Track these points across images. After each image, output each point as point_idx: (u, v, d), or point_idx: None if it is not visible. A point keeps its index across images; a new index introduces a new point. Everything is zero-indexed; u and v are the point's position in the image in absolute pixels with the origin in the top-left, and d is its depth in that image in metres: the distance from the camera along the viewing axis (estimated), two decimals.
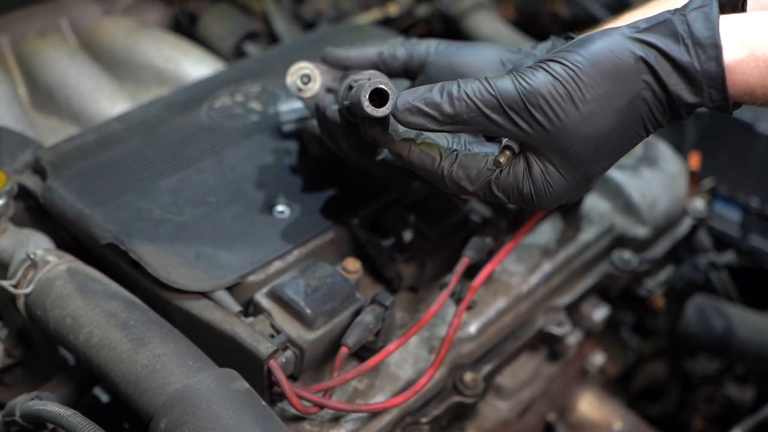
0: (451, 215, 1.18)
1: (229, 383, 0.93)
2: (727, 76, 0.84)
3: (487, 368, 1.20)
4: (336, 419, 1.05)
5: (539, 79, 0.86)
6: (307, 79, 1.14)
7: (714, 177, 1.65)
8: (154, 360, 0.94)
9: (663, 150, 1.47)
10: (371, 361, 1.03)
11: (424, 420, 1.12)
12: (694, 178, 1.51)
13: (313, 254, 1.13)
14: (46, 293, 1.03)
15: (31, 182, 1.20)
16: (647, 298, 1.46)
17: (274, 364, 0.99)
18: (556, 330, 1.29)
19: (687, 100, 0.86)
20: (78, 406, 0.98)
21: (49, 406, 0.95)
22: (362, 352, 1.07)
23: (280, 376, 0.98)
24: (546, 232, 1.32)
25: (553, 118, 0.86)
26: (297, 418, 1.04)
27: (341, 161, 1.17)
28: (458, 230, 1.18)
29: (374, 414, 1.07)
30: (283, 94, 1.34)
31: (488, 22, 1.88)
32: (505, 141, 0.91)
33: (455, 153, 0.93)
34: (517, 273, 1.26)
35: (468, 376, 1.16)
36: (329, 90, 1.13)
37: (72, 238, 1.18)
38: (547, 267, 1.28)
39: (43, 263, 1.07)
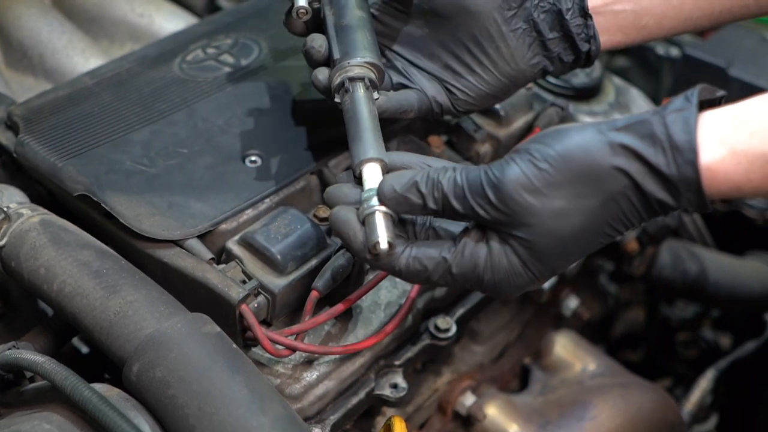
0: None
1: (200, 327, 0.94)
2: (709, 177, 0.82)
3: (460, 311, 1.21)
4: (309, 362, 1.07)
5: (509, 175, 0.86)
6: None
7: None
8: (126, 306, 0.96)
9: (635, 95, 1.48)
10: (342, 305, 1.05)
11: (397, 363, 1.14)
12: None
13: (284, 202, 1.14)
14: (20, 245, 1.05)
15: (4, 138, 1.20)
16: (620, 242, 1.47)
17: (245, 309, 1.00)
18: None
19: (664, 203, 0.85)
20: (57, 357, 1.00)
21: (25, 354, 0.97)
22: (334, 298, 1.08)
23: (252, 320, 1.00)
24: None
25: (520, 211, 0.86)
26: (270, 362, 1.06)
27: (314, 112, 1.19)
28: None
29: (347, 357, 1.09)
30: (256, 46, 1.34)
31: None
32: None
33: (411, 246, 0.93)
34: None
35: (440, 320, 1.18)
36: None
37: (46, 192, 1.19)
38: None
39: (16, 216, 1.08)
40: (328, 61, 1.09)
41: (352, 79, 1.05)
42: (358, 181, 0.97)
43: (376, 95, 1.06)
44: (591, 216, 0.87)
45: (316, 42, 1.09)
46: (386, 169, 0.96)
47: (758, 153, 0.82)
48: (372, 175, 0.95)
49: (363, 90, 1.04)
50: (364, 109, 1.02)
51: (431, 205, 0.90)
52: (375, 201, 0.92)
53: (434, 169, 0.91)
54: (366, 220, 0.92)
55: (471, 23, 1.08)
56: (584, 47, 1.09)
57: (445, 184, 0.89)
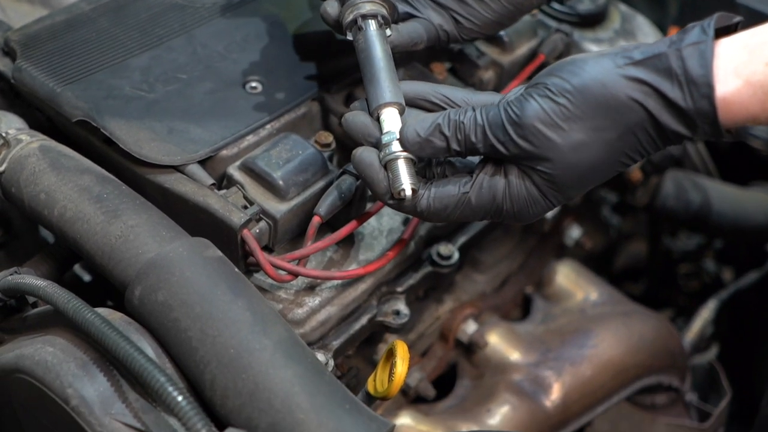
0: None
1: (202, 251, 0.94)
2: (725, 108, 0.83)
3: (462, 239, 1.21)
4: (311, 288, 1.07)
5: (529, 111, 0.87)
6: None
7: None
8: (127, 231, 0.96)
9: (641, 22, 1.46)
10: (344, 230, 1.04)
11: (399, 289, 1.14)
12: None
13: (285, 128, 1.13)
14: (20, 171, 1.04)
15: (2, 64, 1.19)
16: (624, 173, 1.46)
17: (247, 234, 1.00)
18: None
19: (679, 133, 0.86)
20: (59, 284, 1.00)
21: (27, 278, 0.97)
22: (336, 223, 1.08)
23: (254, 245, 0.99)
24: None
25: (541, 146, 0.88)
26: (272, 288, 1.06)
27: (315, 38, 1.18)
28: None
29: (349, 282, 1.09)
30: None
31: None
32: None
33: (429, 186, 0.94)
34: None
35: (443, 247, 1.18)
36: None
37: (45, 119, 1.18)
38: None
39: (15, 142, 1.07)
40: None
41: (364, 17, 1.03)
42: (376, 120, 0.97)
43: (388, 32, 1.04)
44: (609, 148, 0.88)
45: None
46: (403, 110, 0.96)
47: None
48: (391, 118, 0.95)
49: (376, 28, 1.02)
50: (378, 49, 1.00)
51: (454, 146, 0.92)
52: (396, 146, 0.93)
53: (454, 111, 0.92)
54: (389, 166, 0.94)
55: None
56: None
57: (467, 124, 0.91)
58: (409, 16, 1.10)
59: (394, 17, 1.07)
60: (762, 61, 0.83)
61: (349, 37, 1.04)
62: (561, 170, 0.89)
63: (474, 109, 0.91)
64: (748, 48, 0.84)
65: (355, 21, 1.03)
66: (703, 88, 0.83)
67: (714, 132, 0.85)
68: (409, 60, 1.23)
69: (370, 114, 0.97)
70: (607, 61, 0.87)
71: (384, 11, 1.04)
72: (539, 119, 0.87)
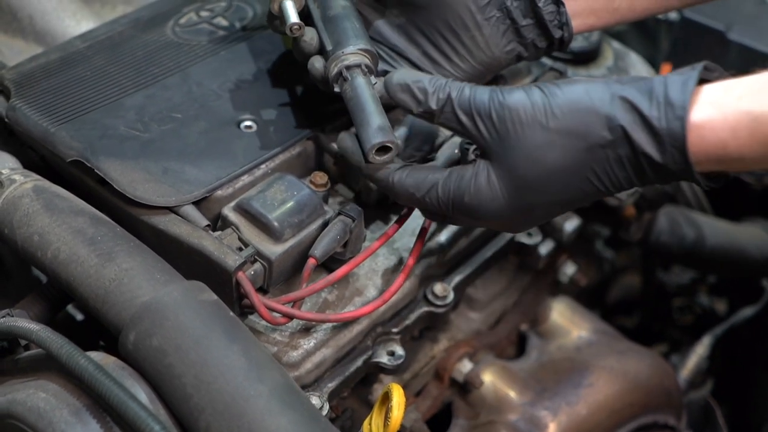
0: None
1: (197, 295, 0.93)
2: (697, 134, 0.86)
3: (457, 278, 1.21)
4: (306, 330, 1.06)
5: (514, 97, 0.91)
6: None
7: None
8: (121, 274, 0.95)
9: (634, 59, 1.47)
10: (339, 272, 1.04)
11: (394, 330, 1.14)
12: None
13: (280, 168, 1.13)
14: (13, 212, 1.03)
15: None
16: (618, 208, 1.46)
17: (242, 276, 0.99)
18: (527, 240, 1.31)
19: (649, 155, 0.88)
20: (52, 324, 0.99)
21: (20, 322, 0.96)
22: (331, 265, 1.07)
23: (249, 287, 0.99)
24: None
25: (512, 133, 0.91)
26: (267, 330, 1.05)
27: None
28: (427, 141, 1.18)
29: (344, 324, 1.08)
30: (250, 8, 1.32)
31: None
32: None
33: (409, 165, 0.99)
34: None
35: (438, 287, 1.17)
36: None
37: (39, 158, 1.17)
38: None
39: (9, 182, 1.06)
40: (320, 53, 1.09)
41: (349, 68, 1.04)
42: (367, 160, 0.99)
43: (373, 80, 1.05)
44: (575, 156, 0.90)
45: (307, 35, 1.10)
46: (398, 151, 1.00)
47: (744, 111, 0.86)
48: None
49: (362, 76, 1.04)
50: (366, 94, 1.02)
51: (432, 104, 0.94)
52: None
53: (446, 78, 0.96)
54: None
55: (446, 12, 1.09)
56: (557, 33, 1.10)
57: (454, 88, 0.94)
58: (386, 74, 1.11)
59: (377, 67, 1.09)
60: (736, 95, 0.87)
61: (337, 90, 1.05)
62: (523, 164, 0.91)
63: (464, 84, 0.95)
64: (724, 86, 0.88)
65: (340, 73, 1.04)
66: (678, 110, 0.86)
67: (683, 160, 0.87)
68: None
69: (365, 156, 0.98)
70: (599, 81, 0.91)
71: (367, 61, 1.06)
72: (520, 107, 0.91)
